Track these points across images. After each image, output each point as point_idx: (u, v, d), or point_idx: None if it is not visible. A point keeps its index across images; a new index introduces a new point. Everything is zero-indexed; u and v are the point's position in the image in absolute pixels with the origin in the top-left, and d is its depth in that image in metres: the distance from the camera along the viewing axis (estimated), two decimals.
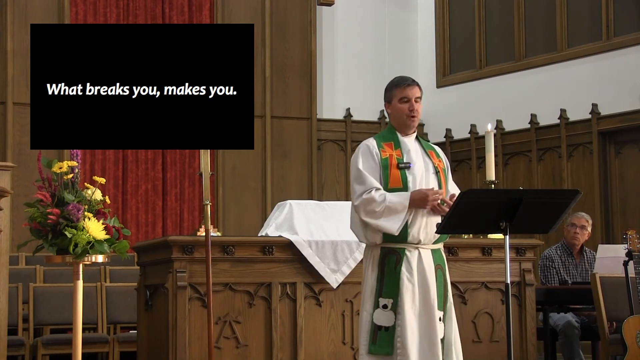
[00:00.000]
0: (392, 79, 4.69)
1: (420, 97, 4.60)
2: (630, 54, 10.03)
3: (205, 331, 5.32)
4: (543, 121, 10.84)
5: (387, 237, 4.44)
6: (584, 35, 10.64)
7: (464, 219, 4.29)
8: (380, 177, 4.49)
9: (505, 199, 4.28)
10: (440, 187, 4.52)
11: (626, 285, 6.36)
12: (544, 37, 11.06)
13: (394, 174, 4.47)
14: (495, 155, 5.88)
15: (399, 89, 4.59)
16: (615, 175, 10.22)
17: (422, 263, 4.44)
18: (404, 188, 4.45)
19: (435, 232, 4.43)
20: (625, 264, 6.37)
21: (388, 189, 4.45)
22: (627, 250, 6.37)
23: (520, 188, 4.61)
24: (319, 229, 5.81)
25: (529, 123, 10.93)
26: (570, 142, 10.55)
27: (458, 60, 12.05)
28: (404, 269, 4.42)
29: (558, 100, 10.63)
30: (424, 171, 4.52)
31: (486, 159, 6.12)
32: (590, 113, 10.31)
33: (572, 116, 10.54)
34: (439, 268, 4.50)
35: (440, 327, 4.44)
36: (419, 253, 4.45)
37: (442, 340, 4.45)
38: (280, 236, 5.72)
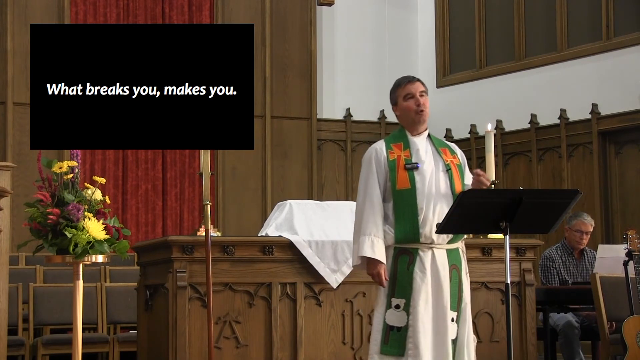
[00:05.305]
0: (395, 81, 4.71)
1: (424, 91, 4.61)
2: (630, 54, 10.03)
3: (205, 331, 5.32)
4: (543, 121, 10.84)
5: (399, 237, 4.46)
6: (584, 35, 10.63)
7: (464, 219, 4.28)
8: (386, 181, 4.50)
9: (505, 199, 4.27)
10: (452, 184, 4.51)
11: (626, 285, 6.36)
12: (544, 37, 11.06)
13: (401, 176, 4.48)
14: (495, 155, 5.88)
15: (400, 88, 4.61)
16: (615, 175, 10.22)
17: (435, 263, 4.43)
18: (412, 189, 4.45)
19: (435, 232, 4.43)
20: (625, 264, 6.37)
21: (396, 190, 4.46)
22: (627, 250, 6.36)
23: (520, 188, 4.60)
24: (319, 229, 5.81)
25: (529, 123, 10.93)
26: (570, 142, 10.55)
27: (458, 60, 12.04)
28: (416, 269, 4.41)
29: (558, 100, 10.63)
30: (434, 170, 4.52)
31: (486, 159, 6.10)
32: (590, 113, 10.31)
33: (572, 116, 10.54)
34: (454, 268, 4.48)
35: (453, 328, 4.43)
36: (433, 253, 4.44)
37: (455, 340, 4.44)
38: (280, 236, 5.72)
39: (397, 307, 4.42)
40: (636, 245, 6.33)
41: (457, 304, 4.47)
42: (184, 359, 5.34)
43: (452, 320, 4.43)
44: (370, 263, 4.44)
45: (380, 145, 4.58)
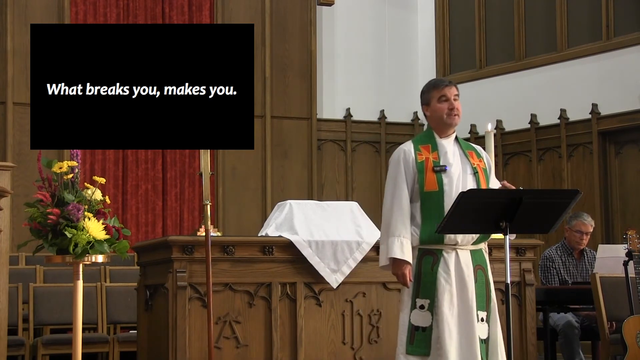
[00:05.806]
0: (428, 82, 4.73)
1: (458, 95, 4.64)
2: (630, 54, 10.03)
3: (205, 331, 5.32)
4: (543, 121, 10.84)
5: (424, 238, 4.49)
6: (584, 35, 10.63)
7: (464, 219, 4.29)
8: (414, 182, 4.52)
9: (505, 199, 4.28)
10: (479, 187, 4.53)
11: (626, 285, 6.36)
12: (544, 37, 11.06)
13: (429, 178, 4.50)
14: (495, 155, 5.87)
15: (436, 90, 4.64)
16: (615, 175, 10.22)
17: (459, 263, 4.46)
18: (440, 191, 4.47)
19: (436, 232, 4.44)
20: (625, 264, 6.37)
21: (424, 192, 4.49)
22: (627, 250, 6.36)
23: (520, 188, 4.60)
24: (319, 229, 5.81)
25: (529, 123, 10.93)
26: (570, 142, 10.55)
27: (458, 60, 12.04)
28: (440, 269, 4.44)
29: (558, 100, 10.63)
30: (461, 173, 4.54)
31: None
32: (590, 113, 10.32)
33: (572, 116, 10.54)
34: (479, 268, 4.52)
35: (484, 328, 4.47)
36: (457, 254, 4.48)
37: (487, 340, 4.48)
38: (280, 236, 5.72)
39: (422, 307, 4.45)
40: (636, 245, 6.33)
41: (485, 304, 4.50)
42: (184, 359, 5.34)
43: (482, 320, 4.46)
44: (396, 263, 4.47)
45: (409, 147, 4.60)
